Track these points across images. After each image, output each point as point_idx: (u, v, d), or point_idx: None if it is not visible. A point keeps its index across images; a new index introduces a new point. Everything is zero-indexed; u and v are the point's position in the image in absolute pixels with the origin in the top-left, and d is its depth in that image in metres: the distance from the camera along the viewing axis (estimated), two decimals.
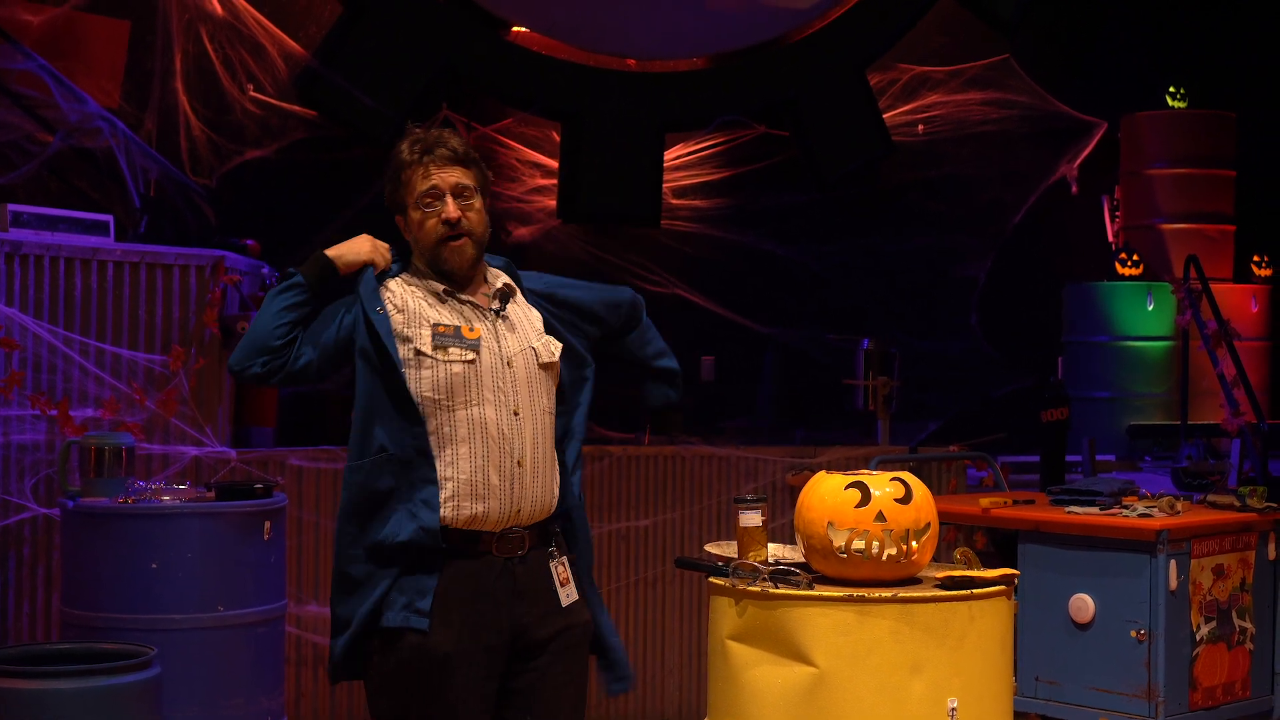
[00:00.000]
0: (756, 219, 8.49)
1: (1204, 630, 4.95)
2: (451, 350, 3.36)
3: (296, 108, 7.44)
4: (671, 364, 3.85)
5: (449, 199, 3.39)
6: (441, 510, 3.34)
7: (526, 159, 8.15)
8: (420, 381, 3.36)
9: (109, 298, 5.50)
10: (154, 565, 4.59)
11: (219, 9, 7.22)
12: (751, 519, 3.44)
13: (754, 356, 8.51)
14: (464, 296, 3.45)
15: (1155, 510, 5.02)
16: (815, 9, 8.56)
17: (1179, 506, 5.13)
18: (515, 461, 3.38)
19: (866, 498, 3.23)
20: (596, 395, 3.65)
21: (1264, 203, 10.42)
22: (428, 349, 3.36)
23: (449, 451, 3.36)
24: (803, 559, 3.37)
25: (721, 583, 3.31)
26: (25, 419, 5.28)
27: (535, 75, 7.99)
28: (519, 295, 3.55)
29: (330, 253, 3.45)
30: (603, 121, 8.06)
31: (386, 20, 7.59)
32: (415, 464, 3.35)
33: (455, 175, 3.41)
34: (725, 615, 3.27)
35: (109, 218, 5.72)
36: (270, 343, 3.38)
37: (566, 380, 3.55)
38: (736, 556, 3.41)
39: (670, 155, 8.36)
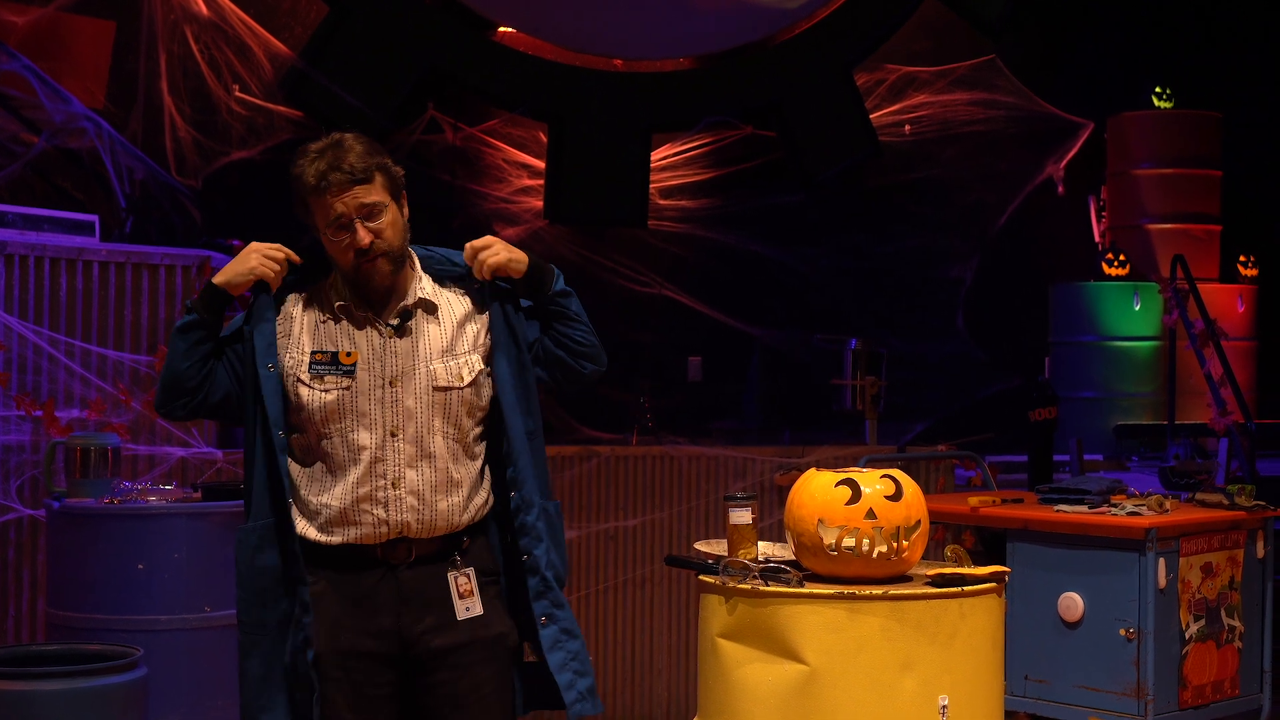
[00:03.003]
0: (744, 220, 8.48)
1: (1193, 628, 4.94)
2: (328, 379, 3.25)
3: (282, 108, 7.43)
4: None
5: (358, 225, 3.22)
6: (318, 536, 3.26)
7: (513, 159, 8.14)
8: (297, 410, 3.27)
9: (94, 298, 5.48)
10: (140, 566, 4.57)
11: (204, 9, 7.21)
12: (742, 516, 3.42)
13: (741, 357, 8.51)
14: (359, 314, 3.30)
15: (1144, 509, 5.01)
16: (802, 10, 8.55)
17: (1167, 505, 5.12)
18: (389, 484, 3.25)
19: (857, 495, 3.22)
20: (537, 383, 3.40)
21: (1250, 203, 10.45)
22: (305, 377, 3.26)
23: (321, 478, 3.28)
24: (793, 557, 3.36)
25: (712, 580, 3.29)
26: (10, 420, 5.26)
27: (522, 76, 7.98)
28: (445, 305, 3.36)
29: (217, 279, 3.31)
30: (589, 122, 8.05)
31: (372, 21, 7.57)
32: (286, 492, 3.26)
33: (358, 196, 3.21)
34: (715, 613, 3.26)
35: (94, 218, 5.70)
36: (185, 383, 3.28)
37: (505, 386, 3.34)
38: (727, 554, 3.39)
39: (657, 156, 8.36)
